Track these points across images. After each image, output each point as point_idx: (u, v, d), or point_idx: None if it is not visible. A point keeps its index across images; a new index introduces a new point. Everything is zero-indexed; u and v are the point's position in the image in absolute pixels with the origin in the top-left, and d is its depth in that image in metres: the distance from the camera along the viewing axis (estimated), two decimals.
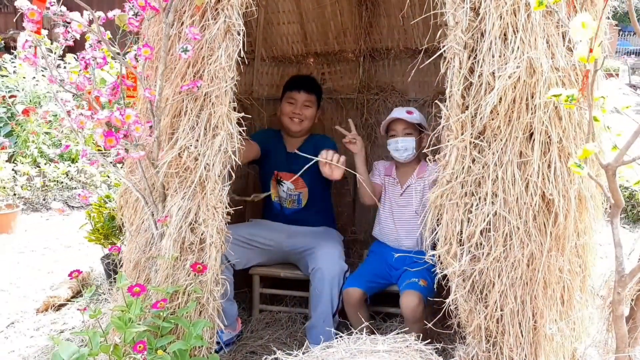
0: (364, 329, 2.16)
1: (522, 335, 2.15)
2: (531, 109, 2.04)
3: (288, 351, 2.71)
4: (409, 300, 2.58)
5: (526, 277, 2.10)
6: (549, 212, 2.12)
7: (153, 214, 2.24)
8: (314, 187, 3.14)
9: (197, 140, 2.14)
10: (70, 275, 1.94)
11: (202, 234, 2.13)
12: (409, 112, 2.90)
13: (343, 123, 3.97)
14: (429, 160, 2.86)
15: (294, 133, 3.11)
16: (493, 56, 2.02)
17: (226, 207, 2.15)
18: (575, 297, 2.35)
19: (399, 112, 2.92)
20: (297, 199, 3.14)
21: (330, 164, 2.62)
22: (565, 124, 2.09)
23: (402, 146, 2.86)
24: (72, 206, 5.34)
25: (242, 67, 3.46)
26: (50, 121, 5.46)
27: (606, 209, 2.42)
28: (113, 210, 3.14)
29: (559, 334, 2.23)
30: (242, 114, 2.17)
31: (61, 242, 4.57)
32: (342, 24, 3.86)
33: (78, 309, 1.97)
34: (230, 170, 2.16)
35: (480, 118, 2.02)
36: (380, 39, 3.90)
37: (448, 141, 2.10)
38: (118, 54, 2.07)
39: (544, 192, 2.08)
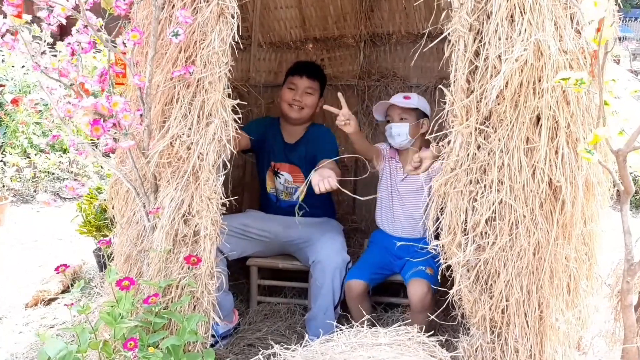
0: (365, 321, 2.09)
1: (528, 326, 2.07)
2: (538, 93, 1.95)
3: (287, 344, 2.66)
4: (418, 289, 2.51)
5: (532, 266, 2.02)
6: (556, 199, 2.04)
7: (145, 206, 2.16)
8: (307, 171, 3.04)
9: (190, 129, 2.06)
10: (57, 269, 1.87)
11: (195, 226, 2.06)
12: (406, 97, 2.81)
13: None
14: (432, 146, 2.81)
15: (293, 121, 2.99)
16: (499, 39, 1.93)
17: (221, 198, 2.07)
18: (582, 286, 2.28)
19: (394, 98, 2.83)
20: (295, 192, 3.06)
21: (322, 182, 2.49)
22: (574, 109, 2.00)
23: (395, 132, 2.77)
24: (64, 198, 5.24)
25: (237, 53, 3.40)
26: (40, 111, 5.36)
27: (612, 195, 2.34)
28: (104, 201, 3.06)
29: (565, 324, 2.16)
30: (237, 101, 2.09)
31: (52, 235, 4.46)
32: (341, 8, 3.77)
33: (66, 305, 1.89)
34: (225, 159, 2.07)
35: (486, 103, 1.93)
36: (381, 23, 3.81)
37: (452, 127, 2.01)
38: (107, 40, 1.99)
39: (550, 178, 2.00)
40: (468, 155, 2.00)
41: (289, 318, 2.97)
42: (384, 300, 3.02)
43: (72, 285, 3.03)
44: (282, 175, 3.05)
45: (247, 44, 3.59)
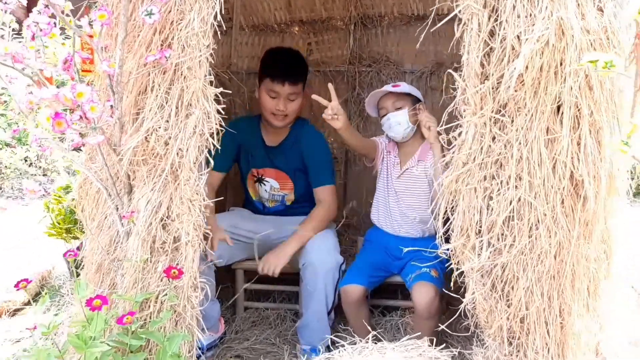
0: (368, 334, 1.87)
1: (549, 335, 1.87)
2: (560, 77, 1.73)
3: (278, 354, 2.45)
4: (424, 293, 2.28)
5: (554, 270, 1.81)
6: (577, 195, 1.83)
7: (117, 208, 1.91)
8: (300, 186, 2.80)
9: (167, 121, 1.81)
10: (16, 286, 1.62)
11: (176, 232, 1.81)
12: (395, 86, 2.58)
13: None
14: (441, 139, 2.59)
15: (278, 129, 2.71)
16: (518, 16, 1.70)
17: (204, 200, 1.82)
18: (601, 287, 2.09)
19: (384, 88, 2.61)
20: (281, 199, 2.82)
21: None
22: (597, 95, 1.79)
23: (394, 121, 2.54)
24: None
25: (219, 36, 3.16)
26: (5, 102, 5.01)
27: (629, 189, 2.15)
28: (73, 201, 2.79)
29: (586, 329, 1.97)
30: (220, 89, 1.84)
31: (19, 237, 4.14)
32: None
33: (28, 329, 1.64)
34: (208, 156, 1.83)
35: (507, 88, 1.71)
36: (373, 4, 3.57)
37: (464, 117, 1.79)
38: (71, 22, 1.73)
39: (572, 172, 1.79)
40: (482, 148, 1.78)
41: (279, 325, 2.75)
42: (381, 303, 2.80)
43: (41, 292, 2.77)
44: (267, 182, 2.80)
45: (228, 27, 3.34)
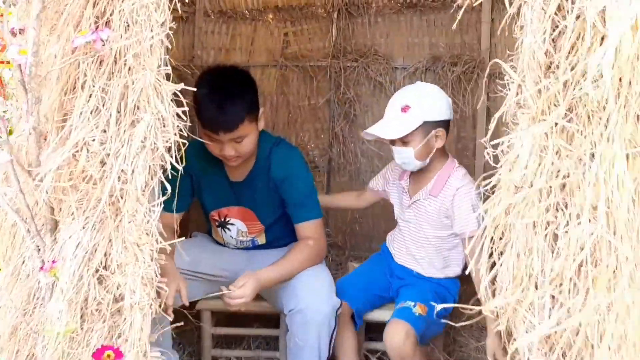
0: None
1: None
2: None
3: None
4: (393, 333, 1.97)
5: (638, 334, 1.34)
6: None
7: (39, 249, 1.37)
8: (275, 229, 2.26)
9: (105, 132, 1.28)
10: None
11: (117, 289, 1.28)
12: (404, 109, 2.05)
13: (313, 97, 3.20)
14: (456, 167, 2.15)
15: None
16: None
17: (158, 242, 1.29)
18: None
19: (390, 113, 2.10)
20: (252, 241, 2.27)
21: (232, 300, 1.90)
22: None
23: (398, 158, 2.09)
24: None
25: (178, 24, 2.61)
26: None
27: None
28: None
29: None
30: (182, 86, 1.32)
31: None
32: None
33: None
34: (163, 179, 1.30)
35: (580, 86, 1.23)
36: None
37: (518, 124, 1.30)
38: None
39: None
40: (543, 167, 1.29)
41: None
42: (379, 348, 2.32)
43: None
44: (232, 225, 2.23)
45: (191, 13, 2.81)
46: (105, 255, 1.29)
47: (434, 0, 2.99)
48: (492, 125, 1.31)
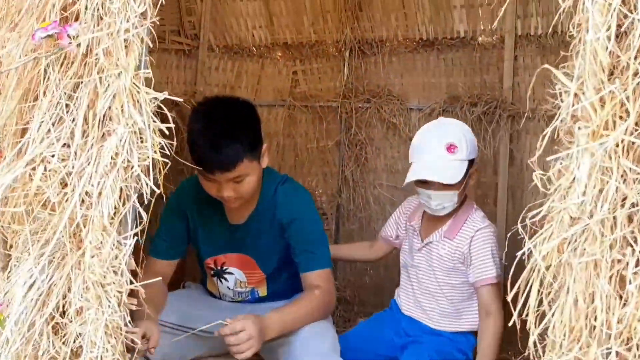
0: None
1: None
2: None
3: None
4: None
5: None
6: None
7: None
8: (276, 273, 1.98)
9: (68, 146, 1.05)
10: None
11: (75, 341, 1.02)
12: (450, 149, 1.83)
13: (322, 140, 3.02)
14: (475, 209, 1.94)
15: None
16: None
17: (129, 282, 1.05)
18: None
19: (433, 152, 1.87)
20: (251, 293, 1.99)
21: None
22: None
23: (436, 204, 1.86)
24: None
25: (181, 58, 2.48)
26: None
27: None
28: None
29: None
30: (165, 94, 1.10)
31: None
32: (321, 6, 2.88)
33: None
34: (138, 207, 1.07)
35: None
36: (372, 26, 2.92)
37: (575, 141, 1.06)
38: None
39: None
40: (606, 193, 1.05)
41: None
42: None
43: None
44: (229, 274, 1.95)
45: (194, 47, 2.64)
46: (63, 298, 1.04)
47: (451, 39, 2.81)
48: (542, 143, 1.07)
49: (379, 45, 2.93)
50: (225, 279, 1.95)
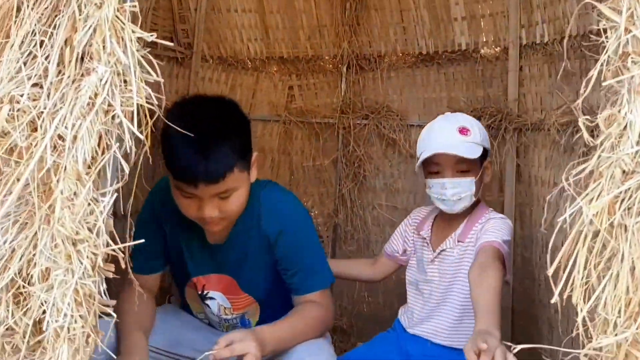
0: None
1: None
2: None
3: None
4: None
5: None
6: None
7: None
8: (269, 297, 1.70)
9: (40, 86, 0.91)
10: None
11: (40, 307, 0.86)
12: (462, 131, 1.76)
13: (318, 158, 2.89)
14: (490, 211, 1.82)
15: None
16: None
17: (107, 244, 0.89)
18: None
19: (445, 133, 1.78)
20: (241, 320, 1.73)
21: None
22: None
23: (453, 193, 1.73)
24: None
25: (173, 66, 2.38)
26: None
27: None
28: None
29: None
30: (152, 36, 0.97)
31: None
32: (317, 19, 2.82)
33: None
34: (121, 159, 0.92)
35: None
36: (370, 41, 2.85)
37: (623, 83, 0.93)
38: None
39: None
40: None
41: None
42: None
43: None
44: (212, 299, 1.67)
45: (187, 55, 2.54)
46: (28, 262, 0.87)
47: (452, 52, 2.73)
48: (586, 90, 0.94)
49: (377, 61, 2.85)
50: (207, 305, 1.67)
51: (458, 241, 1.78)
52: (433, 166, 1.76)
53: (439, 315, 1.80)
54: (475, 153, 1.71)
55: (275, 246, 1.58)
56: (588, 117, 0.94)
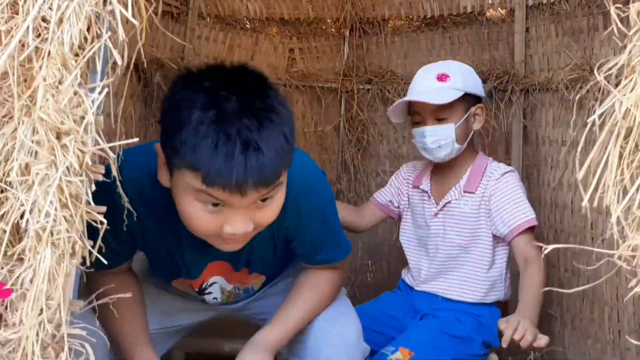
0: None
1: None
2: None
3: None
4: None
5: None
6: None
7: None
8: (279, 271, 1.54)
9: None
10: None
11: (19, 208, 0.77)
12: (441, 77, 1.73)
13: (320, 123, 2.81)
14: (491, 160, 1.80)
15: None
16: None
17: (96, 143, 0.80)
18: None
19: (423, 82, 1.77)
20: (243, 291, 1.50)
21: None
22: None
23: (432, 141, 1.69)
24: None
25: (168, 22, 2.29)
26: None
27: None
28: None
29: None
30: None
31: None
32: None
33: None
34: (114, 50, 0.83)
35: None
36: (374, 4, 2.75)
37: None
38: None
39: None
40: None
41: None
42: None
43: None
44: (213, 285, 1.41)
45: (183, 12, 2.44)
46: (5, 161, 0.78)
47: (457, 15, 2.64)
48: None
49: (381, 24, 2.77)
50: (208, 291, 1.42)
51: (465, 192, 1.72)
52: (416, 116, 1.74)
53: (452, 271, 1.73)
54: (447, 98, 1.66)
55: (293, 238, 1.33)
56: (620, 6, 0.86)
